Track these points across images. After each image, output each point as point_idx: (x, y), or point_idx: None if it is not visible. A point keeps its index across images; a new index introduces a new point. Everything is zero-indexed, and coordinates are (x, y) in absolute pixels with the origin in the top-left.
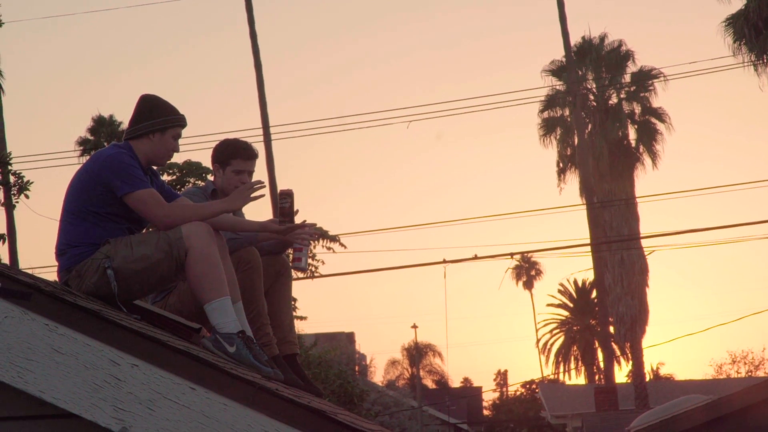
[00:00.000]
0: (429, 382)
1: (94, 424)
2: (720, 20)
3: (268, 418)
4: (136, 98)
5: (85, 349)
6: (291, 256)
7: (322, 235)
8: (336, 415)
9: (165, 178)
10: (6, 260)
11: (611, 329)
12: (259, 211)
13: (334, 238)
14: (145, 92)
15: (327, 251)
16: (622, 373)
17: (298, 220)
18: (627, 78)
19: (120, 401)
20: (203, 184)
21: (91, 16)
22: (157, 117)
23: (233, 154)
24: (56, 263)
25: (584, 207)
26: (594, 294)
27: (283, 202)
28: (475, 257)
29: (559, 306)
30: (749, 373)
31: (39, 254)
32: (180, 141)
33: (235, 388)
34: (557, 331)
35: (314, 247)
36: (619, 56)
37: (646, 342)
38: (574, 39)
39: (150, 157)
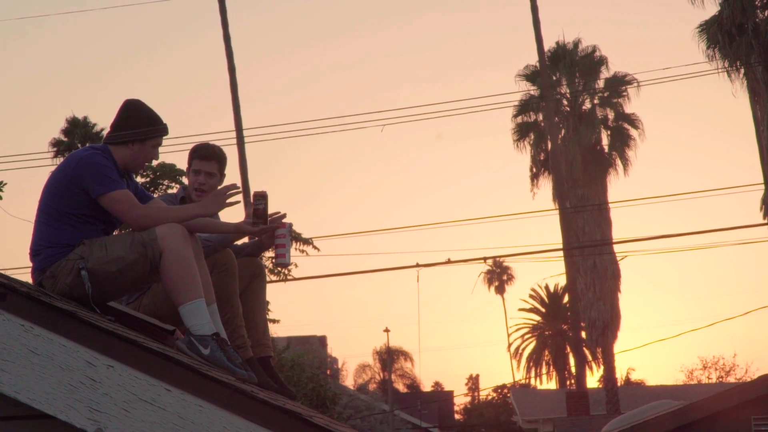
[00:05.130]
0: (400, 386)
1: (70, 425)
2: (694, 26)
3: (244, 420)
4: (110, 100)
5: (60, 350)
6: (274, 253)
7: (295, 237)
8: (311, 418)
9: (139, 179)
10: None
11: (583, 334)
12: (232, 212)
13: (307, 241)
14: (129, 98)
15: (300, 254)
16: (593, 378)
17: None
18: (600, 84)
19: (95, 402)
20: (176, 189)
21: (66, 18)
22: (138, 127)
23: (192, 154)
24: (30, 264)
25: (557, 212)
26: (566, 299)
27: (258, 204)
28: (449, 261)
29: (530, 311)
30: (720, 379)
31: (12, 256)
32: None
33: (210, 390)
34: (529, 335)
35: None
36: (593, 62)
37: (617, 347)
38: (549, 44)
39: (127, 164)
